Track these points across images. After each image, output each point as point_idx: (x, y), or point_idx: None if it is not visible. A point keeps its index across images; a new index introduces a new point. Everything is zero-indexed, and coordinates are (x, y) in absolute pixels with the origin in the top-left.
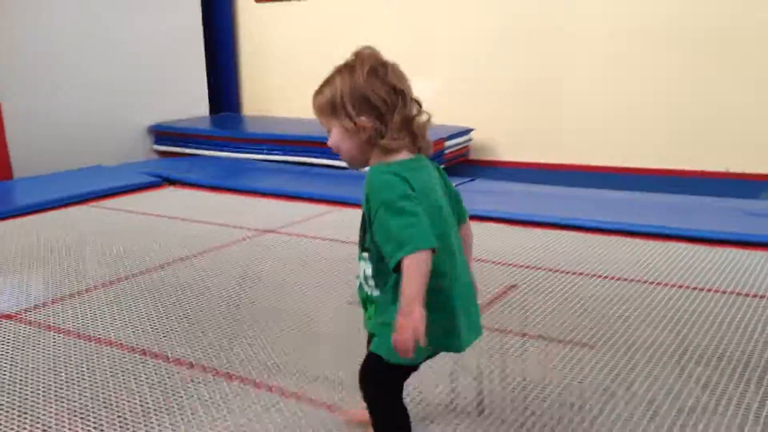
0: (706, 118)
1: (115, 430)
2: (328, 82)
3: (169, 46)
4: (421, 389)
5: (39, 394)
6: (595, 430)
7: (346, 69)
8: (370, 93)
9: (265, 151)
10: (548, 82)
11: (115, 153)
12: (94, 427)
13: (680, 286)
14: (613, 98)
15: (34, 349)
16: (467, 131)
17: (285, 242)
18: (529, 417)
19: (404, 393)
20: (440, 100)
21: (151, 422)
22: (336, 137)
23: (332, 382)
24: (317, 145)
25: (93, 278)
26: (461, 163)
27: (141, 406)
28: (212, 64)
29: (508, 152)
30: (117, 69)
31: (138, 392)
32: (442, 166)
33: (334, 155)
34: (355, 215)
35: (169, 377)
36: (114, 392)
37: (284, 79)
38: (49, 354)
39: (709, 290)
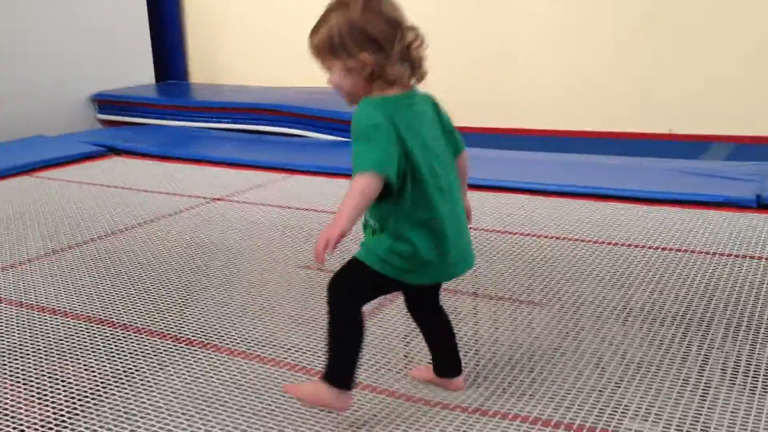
0: (650, 79)
1: (61, 396)
2: (322, 20)
3: (112, 11)
4: (375, 352)
5: None
6: (545, 387)
7: (340, 5)
8: (369, 27)
9: (213, 120)
10: (497, 46)
11: (57, 123)
12: (39, 395)
13: (623, 245)
14: (562, 61)
15: None
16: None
17: (234, 210)
18: (481, 375)
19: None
20: None
21: (99, 386)
22: (337, 76)
23: (284, 343)
24: (266, 113)
25: (36, 249)
26: None
27: (87, 371)
28: (157, 30)
29: (461, 118)
30: (58, 36)
31: (84, 358)
32: None
33: (284, 123)
34: (305, 182)
35: (115, 343)
36: (60, 359)
37: (232, 46)
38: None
39: (650, 248)
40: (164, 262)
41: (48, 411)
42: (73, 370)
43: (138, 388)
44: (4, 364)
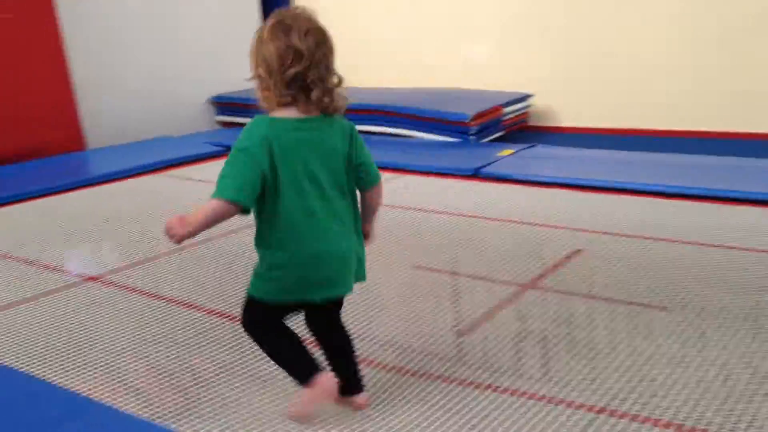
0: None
1: (192, 385)
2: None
3: (228, 18)
4: (486, 357)
5: (126, 352)
6: (669, 397)
7: (264, 26)
8: (264, 49)
9: None
10: (610, 46)
11: (180, 124)
12: (171, 383)
13: (747, 249)
14: (677, 60)
15: (115, 309)
16: (526, 97)
17: None
18: (597, 383)
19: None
20: (498, 64)
21: (225, 379)
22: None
23: (401, 346)
24: (376, 113)
25: (166, 244)
26: (521, 129)
27: (214, 364)
28: None
29: (569, 118)
30: (180, 42)
31: (210, 350)
32: (501, 133)
33: (391, 123)
34: (412, 182)
35: (234, 333)
36: (189, 351)
37: (339, 48)
38: (130, 313)
39: None
40: None
41: (179, 397)
42: (200, 359)
43: (258, 377)
44: (136, 350)
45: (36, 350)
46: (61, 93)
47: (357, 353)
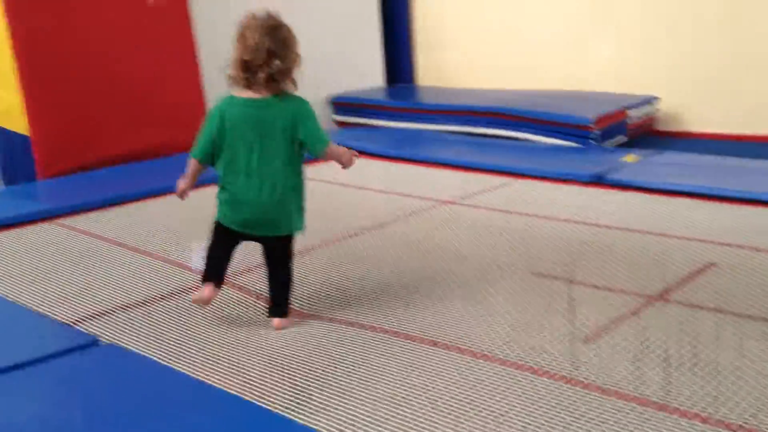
0: None
1: (311, 384)
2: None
3: (347, 19)
4: (602, 373)
5: (246, 347)
6: None
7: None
8: (235, 45)
9: (440, 122)
10: (744, 46)
11: None
12: (287, 378)
13: None
14: None
15: (239, 310)
16: (652, 100)
17: (463, 213)
18: (721, 408)
19: None
20: (623, 65)
21: (343, 379)
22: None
23: (514, 353)
24: (493, 116)
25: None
26: (646, 134)
27: (331, 365)
28: (388, 35)
29: (698, 122)
30: (301, 43)
31: (329, 352)
32: (624, 137)
33: (508, 125)
34: (529, 187)
35: (347, 336)
36: (306, 351)
37: (458, 50)
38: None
39: None
40: (393, 265)
41: (294, 392)
42: (318, 360)
43: (367, 377)
44: (253, 347)
45: (170, 343)
46: (192, 92)
47: (286, 291)
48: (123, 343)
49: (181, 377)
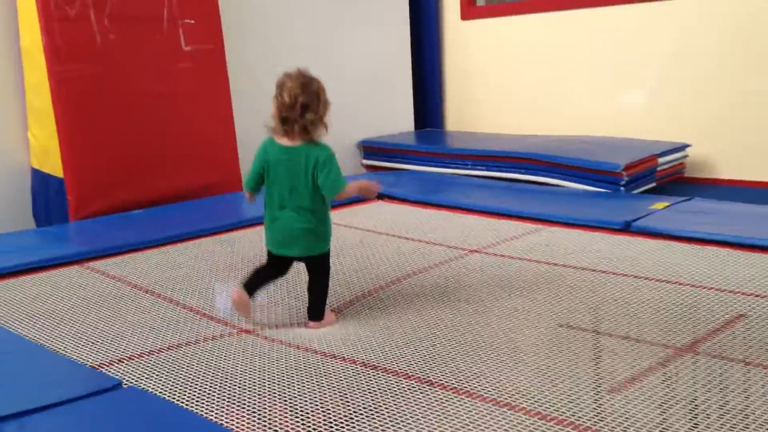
0: None
1: (321, 421)
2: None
3: (379, 64)
4: (628, 424)
5: (269, 394)
6: None
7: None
8: (275, 97)
9: (469, 167)
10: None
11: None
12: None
13: None
14: None
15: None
16: (682, 147)
17: (491, 263)
18: None
19: None
20: (653, 111)
21: (364, 425)
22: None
23: (536, 402)
24: (521, 161)
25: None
26: (676, 180)
27: (354, 410)
28: (417, 80)
29: (729, 170)
30: (331, 87)
31: (352, 397)
32: (654, 184)
33: (537, 171)
34: (564, 235)
35: (381, 384)
36: (326, 395)
37: (487, 96)
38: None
39: None
40: (418, 313)
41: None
42: (331, 401)
43: (388, 424)
44: (277, 395)
45: (194, 389)
46: (225, 137)
47: (321, 300)
48: (147, 387)
49: (203, 422)
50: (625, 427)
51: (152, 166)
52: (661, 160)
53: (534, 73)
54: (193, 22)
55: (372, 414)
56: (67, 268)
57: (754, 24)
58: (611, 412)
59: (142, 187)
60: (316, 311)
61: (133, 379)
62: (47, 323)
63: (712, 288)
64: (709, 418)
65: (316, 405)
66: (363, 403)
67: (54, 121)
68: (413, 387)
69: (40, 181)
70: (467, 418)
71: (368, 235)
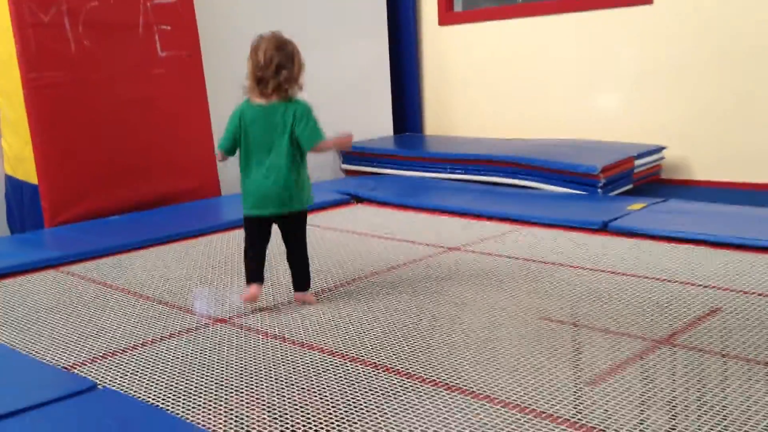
0: None
1: (307, 428)
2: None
3: (358, 69)
4: (606, 417)
5: (241, 390)
6: None
7: (251, 46)
8: (248, 61)
9: (447, 170)
10: (748, 96)
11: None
12: (282, 424)
13: None
14: None
15: (242, 350)
16: (659, 149)
17: (469, 260)
18: None
19: None
20: (629, 116)
21: (341, 421)
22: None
23: (519, 398)
24: (500, 164)
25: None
26: (653, 182)
27: (330, 404)
28: (396, 85)
29: (703, 171)
30: (310, 92)
31: (329, 390)
32: (630, 186)
33: (516, 174)
34: (538, 235)
35: (351, 375)
36: (301, 388)
37: (465, 100)
38: (253, 353)
39: None
40: (401, 309)
41: None
42: (312, 400)
43: (365, 416)
44: (254, 389)
45: (167, 387)
46: (201, 142)
47: (306, 267)
48: (122, 386)
49: (179, 423)
50: (603, 419)
51: (128, 172)
52: (637, 162)
53: (511, 78)
54: (169, 28)
55: (349, 407)
56: (42, 273)
57: (728, 27)
58: (590, 404)
59: (118, 194)
60: (302, 280)
61: (108, 378)
62: (19, 326)
63: (687, 283)
64: (687, 408)
65: (293, 400)
66: (340, 398)
67: (28, 128)
68: (392, 379)
69: (14, 187)
70: (446, 410)
71: (347, 235)
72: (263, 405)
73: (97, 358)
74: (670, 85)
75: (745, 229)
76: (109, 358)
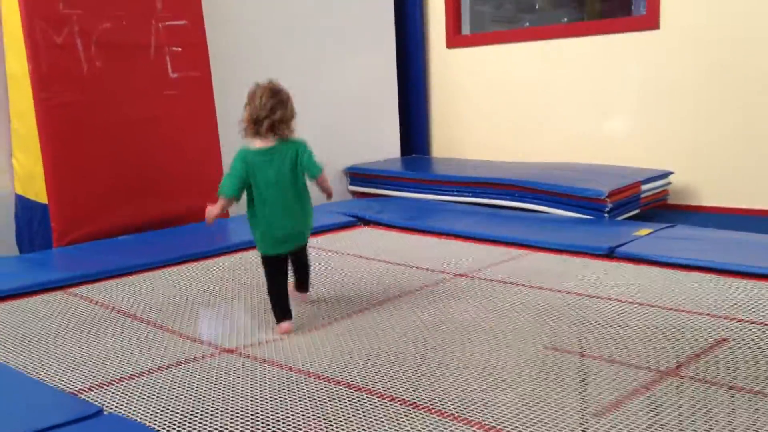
0: None
1: None
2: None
3: (366, 92)
4: None
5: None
6: None
7: (249, 94)
8: (248, 104)
9: (454, 193)
10: (756, 122)
11: (314, 193)
12: None
13: None
14: None
15: (248, 378)
16: (666, 174)
17: (476, 286)
18: None
19: None
20: (637, 140)
21: None
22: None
23: (519, 420)
24: (507, 188)
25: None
26: (659, 207)
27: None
28: (404, 107)
29: (711, 197)
30: (319, 114)
31: (335, 419)
32: (637, 211)
33: (522, 198)
34: (549, 260)
35: (361, 406)
36: (310, 420)
37: (472, 123)
38: (262, 383)
39: None
40: (407, 337)
41: None
42: (318, 429)
43: None
44: (260, 418)
45: (175, 413)
46: (211, 163)
47: (309, 275)
48: (128, 412)
49: None
50: None
51: (138, 193)
52: (644, 187)
53: (519, 101)
54: (180, 49)
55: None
56: (50, 294)
57: (735, 53)
58: None
59: (127, 214)
60: (306, 283)
61: (114, 404)
62: (28, 349)
63: (695, 312)
64: None
65: (299, 429)
66: (346, 427)
67: (39, 147)
68: (398, 409)
69: (24, 207)
70: None
71: (353, 259)
72: (271, 430)
73: (104, 384)
74: (678, 110)
75: (753, 256)
76: (116, 384)
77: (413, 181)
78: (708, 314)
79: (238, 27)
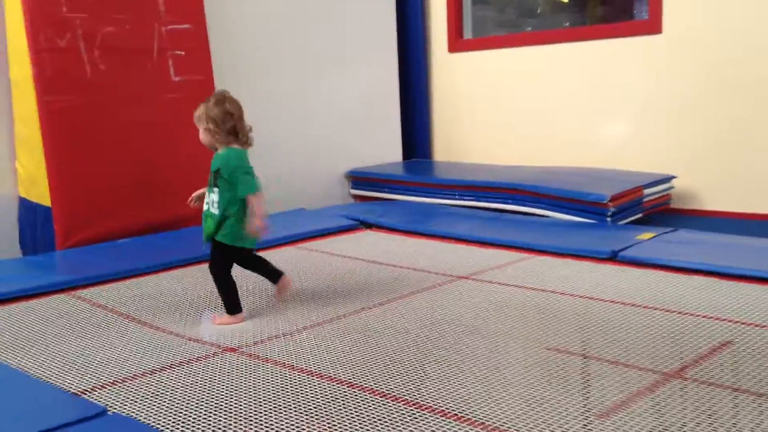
0: None
1: None
2: (200, 105)
3: (367, 96)
4: None
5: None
6: None
7: (208, 100)
8: (211, 112)
9: (456, 197)
10: (758, 126)
11: (315, 198)
12: None
13: None
14: None
15: (251, 378)
16: (668, 178)
17: (478, 289)
18: None
19: None
20: (639, 144)
21: None
22: (201, 134)
23: (523, 421)
24: (509, 192)
25: (300, 320)
26: (662, 212)
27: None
28: (405, 111)
29: (714, 201)
30: (321, 118)
31: (335, 419)
32: (640, 215)
33: (525, 201)
34: (551, 263)
35: (363, 405)
36: (312, 419)
37: (474, 127)
38: (265, 382)
39: None
40: (409, 338)
41: None
42: (321, 428)
43: None
44: (262, 417)
45: (177, 413)
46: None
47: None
48: (132, 413)
49: None
50: None
51: (140, 196)
52: (647, 191)
53: (520, 105)
54: (182, 53)
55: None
56: (53, 296)
57: (737, 57)
58: None
59: (129, 217)
60: (274, 272)
61: (118, 404)
62: (32, 350)
63: (698, 315)
64: None
65: (301, 428)
66: (349, 427)
67: (42, 150)
68: (400, 409)
69: (27, 209)
70: None
71: (355, 262)
72: (274, 429)
73: (108, 384)
74: (680, 114)
75: (756, 260)
76: (120, 385)
77: (415, 184)
78: (711, 317)
79: (240, 31)
